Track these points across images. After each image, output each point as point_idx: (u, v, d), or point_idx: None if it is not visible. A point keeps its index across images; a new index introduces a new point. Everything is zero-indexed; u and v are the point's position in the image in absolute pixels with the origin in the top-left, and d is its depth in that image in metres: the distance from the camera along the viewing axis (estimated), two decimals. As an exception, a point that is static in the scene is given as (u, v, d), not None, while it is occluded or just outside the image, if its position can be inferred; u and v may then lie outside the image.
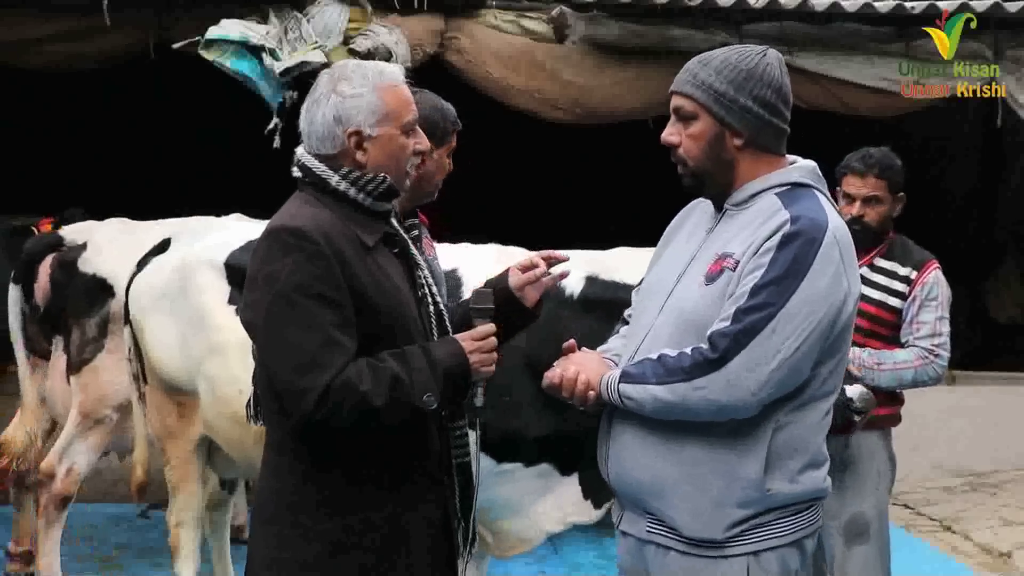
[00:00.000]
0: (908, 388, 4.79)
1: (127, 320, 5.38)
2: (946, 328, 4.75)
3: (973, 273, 11.86)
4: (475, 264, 4.86)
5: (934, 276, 4.80)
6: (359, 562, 2.94)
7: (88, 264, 5.96)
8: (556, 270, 3.37)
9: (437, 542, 3.07)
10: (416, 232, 3.85)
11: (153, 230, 6.21)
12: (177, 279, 5.16)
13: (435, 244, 4.10)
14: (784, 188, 3.03)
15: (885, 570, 4.86)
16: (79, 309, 5.92)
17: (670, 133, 3.10)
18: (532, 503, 4.82)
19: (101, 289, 5.90)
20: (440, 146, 3.84)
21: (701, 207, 3.21)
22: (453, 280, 4.73)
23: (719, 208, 3.11)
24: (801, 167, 3.10)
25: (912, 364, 4.68)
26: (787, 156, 3.13)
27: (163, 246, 5.47)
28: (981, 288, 11.83)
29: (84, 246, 6.01)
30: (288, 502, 2.96)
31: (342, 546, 2.93)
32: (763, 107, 3.03)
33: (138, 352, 5.36)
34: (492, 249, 5.06)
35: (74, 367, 5.91)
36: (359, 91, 2.99)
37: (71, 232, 6.14)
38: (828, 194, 3.11)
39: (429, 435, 3.05)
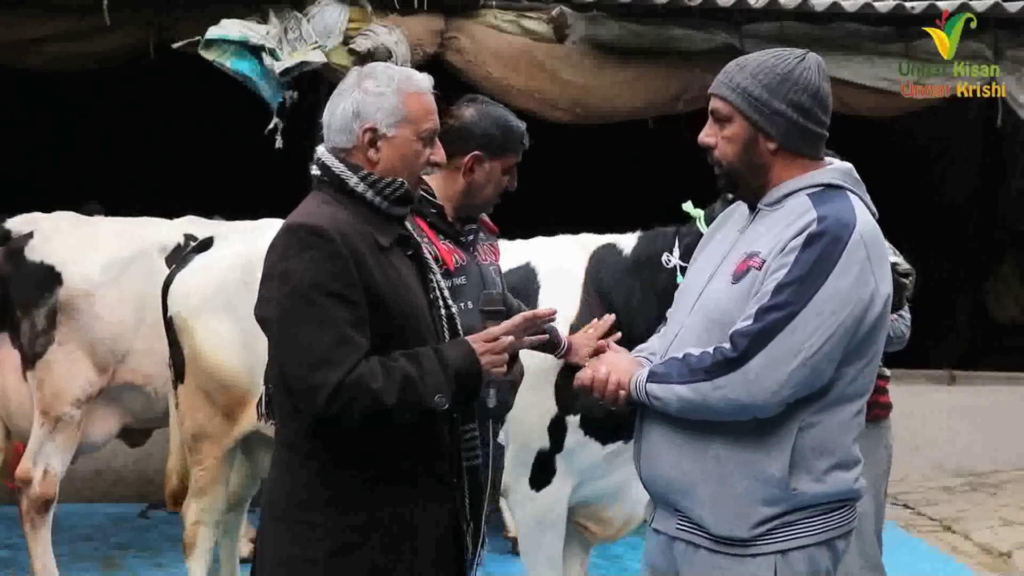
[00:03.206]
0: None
1: (166, 322, 5.34)
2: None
3: (973, 273, 11.87)
4: (554, 255, 4.99)
5: None
6: (367, 561, 2.95)
7: (35, 252, 5.86)
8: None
9: (445, 543, 3.08)
10: (472, 238, 3.85)
11: (101, 225, 6.20)
12: (239, 275, 5.09)
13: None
14: (817, 189, 3.03)
15: (870, 566, 4.82)
16: (27, 299, 5.81)
17: (707, 135, 3.11)
18: (633, 484, 4.86)
19: (49, 277, 5.80)
20: (493, 158, 3.84)
21: (741, 208, 3.23)
22: (528, 272, 4.84)
23: (753, 208, 3.13)
24: (836, 168, 3.10)
25: None
26: (825, 159, 3.13)
27: (205, 244, 5.47)
28: (981, 288, 11.83)
29: (31, 235, 5.91)
30: (298, 499, 2.97)
31: (350, 544, 2.94)
32: (797, 111, 3.02)
33: (176, 354, 5.33)
34: (565, 239, 5.17)
35: (29, 362, 5.82)
36: (382, 90, 3.02)
37: (17, 223, 6.02)
38: (865, 196, 3.10)
39: (440, 437, 3.06)
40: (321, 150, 3.08)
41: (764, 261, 2.96)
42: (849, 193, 3.05)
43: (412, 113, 3.03)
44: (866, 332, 2.96)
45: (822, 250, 2.89)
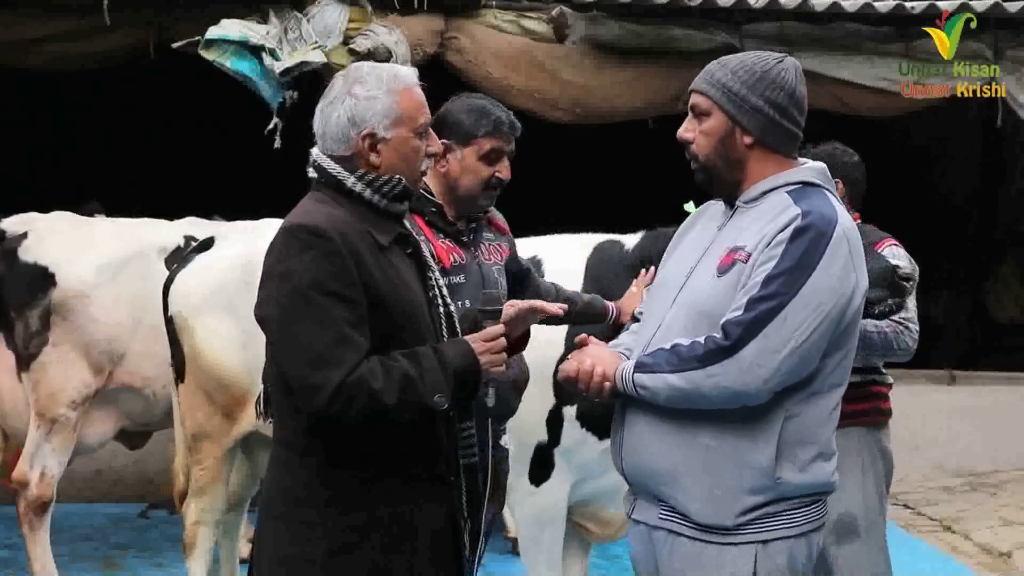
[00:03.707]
0: (879, 357, 4.74)
1: (167, 321, 5.34)
2: (911, 303, 4.73)
3: (973, 273, 11.87)
4: (556, 252, 5.02)
5: (889, 252, 4.74)
6: (365, 560, 2.95)
7: (29, 252, 5.85)
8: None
9: (443, 542, 3.08)
10: (473, 236, 3.85)
11: (98, 226, 6.18)
12: (239, 275, 5.10)
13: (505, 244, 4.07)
14: (795, 186, 3.12)
15: (879, 570, 4.84)
16: (20, 299, 5.80)
17: (685, 129, 3.20)
18: None
19: (43, 278, 5.79)
20: (463, 145, 3.80)
21: (713, 208, 3.30)
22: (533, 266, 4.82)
23: (730, 205, 3.20)
24: (811, 167, 3.19)
25: (882, 329, 4.65)
26: (798, 159, 3.22)
27: (206, 244, 5.47)
28: (981, 288, 11.84)
29: (25, 235, 5.90)
30: (296, 499, 2.97)
31: (349, 544, 2.94)
32: (773, 108, 3.12)
33: (177, 353, 5.34)
34: (568, 237, 5.23)
35: (23, 363, 5.81)
36: (374, 93, 3.01)
37: (12, 223, 6.01)
38: (836, 194, 3.19)
39: (437, 435, 3.07)
40: (316, 152, 3.07)
41: (750, 254, 3.03)
42: (825, 191, 3.14)
43: (406, 111, 3.03)
44: (847, 324, 3.05)
45: (808, 243, 2.98)
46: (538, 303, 3.19)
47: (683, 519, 3.08)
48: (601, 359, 3.16)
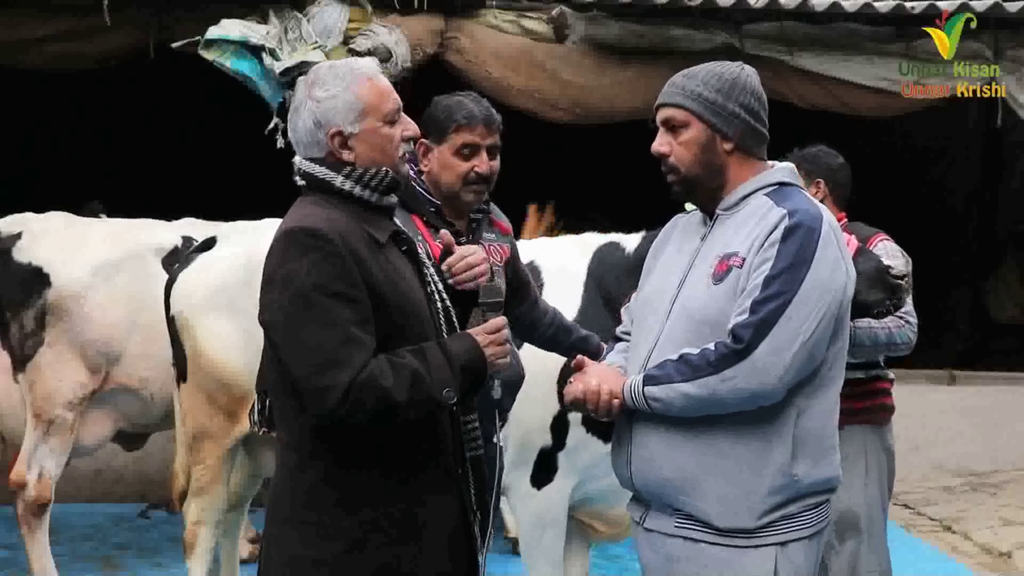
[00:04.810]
0: (883, 351, 4.75)
1: (169, 321, 5.34)
2: (908, 296, 4.74)
3: (973, 273, 11.88)
4: (556, 254, 5.03)
5: (882, 248, 4.76)
6: (376, 558, 2.95)
7: (23, 253, 5.84)
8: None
9: (455, 536, 3.08)
10: (472, 236, 3.85)
11: (93, 227, 6.17)
12: (242, 275, 5.10)
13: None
14: (772, 188, 3.18)
15: (879, 567, 4.85)
16: (15, 300, 5.79)
17: (660, 144, 3.24)
18: None
19: (37, 278, 5.78)
20: (438, 143, 3.80)
21: (682, 223, 3.38)
22: (532, 271, 4.79)
23: (710, 215, 3.24)
24: (783, 168, 3.26)
25: (886, 324, 4.67)
26: (767, 161, 3.28)
27: (208, 244, 5.47)
28: (981, 288, 11.84)
29: (19, 235, 5.89)
30: (304, 500, 2.97)
31: (359, 543, 2.94)
32: (748, 113, 3.19)
33: (178, 353, 5.34)
34: (569, 239, 5.26)
35: (19, 364, 5.80)
36: (333, 92, 3.01)
37: (7, 223, 6.00)
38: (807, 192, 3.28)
39: (442, 429, 3.07)
40: (299, 160, 3.08)
41: (744, 259, 3.08)
42: (799, 189, 3.21)
43: (370, 102, 3.02)
44: (842, 315, 3.12)
45: (801, 241, 3.04)
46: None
47: (703, 525, 3.10)
48: (605, 378, 3.19)
